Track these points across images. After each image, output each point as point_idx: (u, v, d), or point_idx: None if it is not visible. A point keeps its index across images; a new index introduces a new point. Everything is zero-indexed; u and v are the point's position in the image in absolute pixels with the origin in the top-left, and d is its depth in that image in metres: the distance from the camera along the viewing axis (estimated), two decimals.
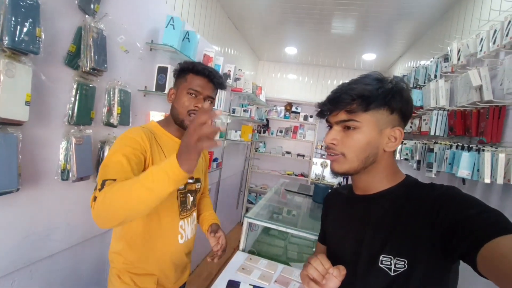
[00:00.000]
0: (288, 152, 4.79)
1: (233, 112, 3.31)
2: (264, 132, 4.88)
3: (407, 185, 0.65)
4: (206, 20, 2.61)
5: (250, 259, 1.48)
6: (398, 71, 3.66)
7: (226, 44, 3.25)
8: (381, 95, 0.61)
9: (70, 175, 1.18)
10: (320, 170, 4.63)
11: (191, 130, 0.60)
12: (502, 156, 1.24)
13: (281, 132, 4.86)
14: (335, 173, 0.66)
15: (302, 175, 4.81)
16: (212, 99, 1.04)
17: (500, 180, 1.24)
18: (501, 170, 1.23)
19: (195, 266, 2.92)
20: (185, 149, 0.62)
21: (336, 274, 0.57)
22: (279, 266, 1.45)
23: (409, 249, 0.56)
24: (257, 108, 4.14)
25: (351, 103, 0.62)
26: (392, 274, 0.57)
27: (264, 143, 4.90)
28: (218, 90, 1.10)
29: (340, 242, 0.71)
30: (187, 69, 1.02)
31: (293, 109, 4.83)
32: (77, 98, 1.17)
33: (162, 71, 1.72)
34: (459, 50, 1.86)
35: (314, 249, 1.45)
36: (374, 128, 0.63)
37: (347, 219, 0.70)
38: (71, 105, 1.17)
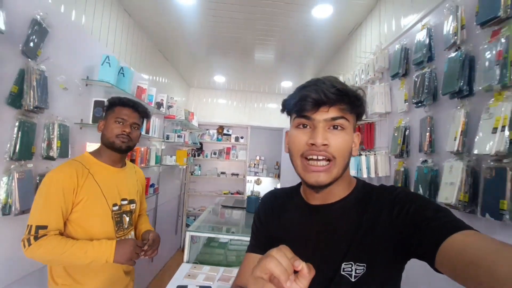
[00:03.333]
0: (223, 173, 5.05)
1: (167, 138, 3.44)
2: (198, 155, 5.06)
3: (361, 189, 0.65)
4: (137, 53, 2.77)
5: (195, 267, 1.67)
6: None
7: (158, 74, 3.43)
8: (360, 97, 0.59)
9: (13, 209, 1.22)
10: (253, 186, 5.01)
11: (131, 249, 1.08)
12: (372, 158, 1.77)
13: (215, 154, 5.11)
14: (320, 186, 0.58)
15: (238, 192, 5.10)
16: (137, 126, 1.24)
17: (372, 174, 1.76)
18: (372, 167, 1.75)
19: (146, 285, 2.86)
20: (121, 257, 1.06)
21: (306, 272, 0.41)
22: (220, 269, 1.67)
23: (369, 253, 0.56)
24: (190, 132, 4.33)
25: (348, 98, 0.57)
26: (353, 280, 0.55)
27: (199, 166, 5.06)
28: (146, 119, 1.32)
29: (297, 252, 0.55)
30: (114, 103, 1.20)
31: (225, 131, 5.17)
32: (19, 135, 1.24)
33: (99, 104, 1.83)
34: (345, 82, 2.48)
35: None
36: (352, 130, 0.61)
37: (305, 229, 0.65)
38: (13, 142, 1.23)
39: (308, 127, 0.59)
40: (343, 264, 0.56)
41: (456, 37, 1.19)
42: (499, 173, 0.95)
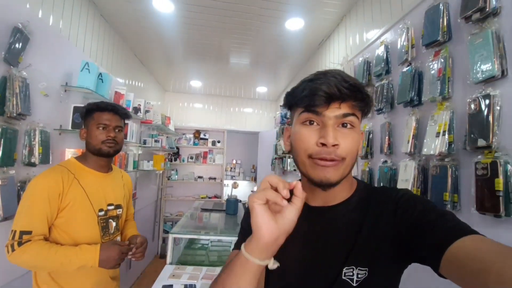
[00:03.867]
0: (200, 177, 5.07)
1: (144, 143, 3.44)
2: (175, 159, 5.05)
3: (363, 191, 0.63)
4: (113, 57, 2.78)
5: (178, 268, 1.73)
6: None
7: (133, 78, 3.43)
8: (369, 95, 0.56)
9: None
10: (230, 190, 5.09)
11: (116, 257, 1.11)
12: None
13: (192, 158, 5.13)
14: (328, 183, 0.53)
15: (216, 196, 5.15)
16: (120, 128, 1.25)
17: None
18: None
19: None
20: (106, 263, 1.09)
21: (300, 192, 0.49)
22: (203, 268, 1.74)
23: (370, 257, 0.54)
24: (167, 137, 4.34)
25: (361, 95, 0.53)
26: (354, 285, 0.54)
27: (176, 171, 5.04)
28: (128, 121, 1.33)
29: (295, 256, 0.60)
30: (91, 110, 1.20)
31: (201, 136, 5.21)
32: (2, 142, 1.25)
33: (78, 110, 1.84)
34: None
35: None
36: (359, 129, 0.57)
37: (304, 232, 0.61)
38: None
39: (315, 123, 0.54)
40: (344, 269, 0.54)
41: (407, 55, 1.39)
42: (442, 170, 1.14)
